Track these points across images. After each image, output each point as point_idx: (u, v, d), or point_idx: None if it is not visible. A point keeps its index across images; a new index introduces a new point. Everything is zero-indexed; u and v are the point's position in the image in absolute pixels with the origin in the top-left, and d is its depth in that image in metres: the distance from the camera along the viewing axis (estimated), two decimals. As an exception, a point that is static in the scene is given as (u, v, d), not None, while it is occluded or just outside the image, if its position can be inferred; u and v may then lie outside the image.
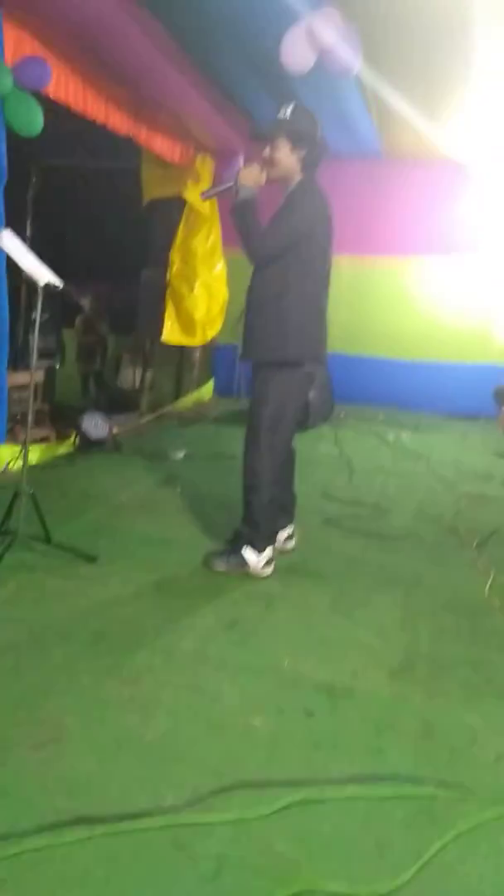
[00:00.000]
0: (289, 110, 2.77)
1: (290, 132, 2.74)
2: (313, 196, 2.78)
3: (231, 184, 2.84)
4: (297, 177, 2.80)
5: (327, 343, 2.95)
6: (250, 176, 2.75)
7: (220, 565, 2.89)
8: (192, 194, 5.77)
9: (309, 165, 2.80)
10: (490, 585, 2.90)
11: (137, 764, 1.72)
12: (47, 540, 2.90)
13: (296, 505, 3.19)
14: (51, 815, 1.52)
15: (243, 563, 2.86)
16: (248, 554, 2.85)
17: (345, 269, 6.67)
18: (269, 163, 2.78)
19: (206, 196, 3.15)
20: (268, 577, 2.87)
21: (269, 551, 2.89)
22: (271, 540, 2.92)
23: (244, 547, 2.86)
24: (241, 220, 2.75)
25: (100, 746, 1.77)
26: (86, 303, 6.06)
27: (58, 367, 5.66)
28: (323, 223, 2.80)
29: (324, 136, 2.84)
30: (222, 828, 1.53)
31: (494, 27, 3.74)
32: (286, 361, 2.79)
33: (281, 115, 2.77)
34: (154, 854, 1.45)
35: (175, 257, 6.12)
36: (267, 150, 2.79)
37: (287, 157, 2.76)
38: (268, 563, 2.89)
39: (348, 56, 3.75)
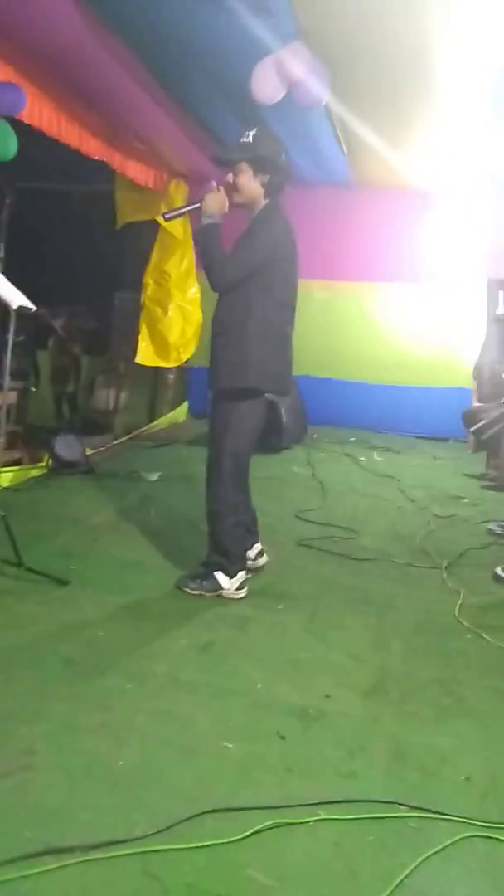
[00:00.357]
0: (251, 135, 2.73)
1: (253, 158, 2.72)
2: (275, 223, 2.76)
3: (195, 205, 2.83)
4: (261, 202, 2.78)
5: (291, 369, 2.93)
6: (215, 202, 2.73)
7: (194, 588, 2.88)
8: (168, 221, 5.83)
9: (272, 191, 2.77)
10: (460, 606, 2.94)
11: (109, 791, 1.71)
12: (18, 563, 2.87)
13: (257, 522, 3.20)
14: (20, 845, 1.49)
15: (216, 586, 2.86)
16: (221, 577, 2.86)
17: (315, 294, 6.80)
18: (231, 189, 2.76)
19: (168, 217, 3.11)
20: (241, 599, 2.88)
21: (241, 574, 2.89)
22: (242, 563, 2.93)
23: (216, 571, 2.86)
24: (203, 247, 2.74)
25: (71, 774, 1.75)
26: (59, 324, 6.05)
27: (33, 389, 5.63)
28: (286, 250, 2.78)
29: (287, 162, 2.83)
30: (194, 855, 1.52)
31: (454, 61, 3.88)
32: (246, 389, 2.77)
33: (243, 140, 2.74)
34: (125, 883, 1.44)
35: (149, 280, 6.16)
36: (229, 176, 2.77)
37: (249, 182, 2.74)
38: (240, 586, 2.89)
39: (316, 89, 3.85)
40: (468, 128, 4.93)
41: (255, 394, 2.80)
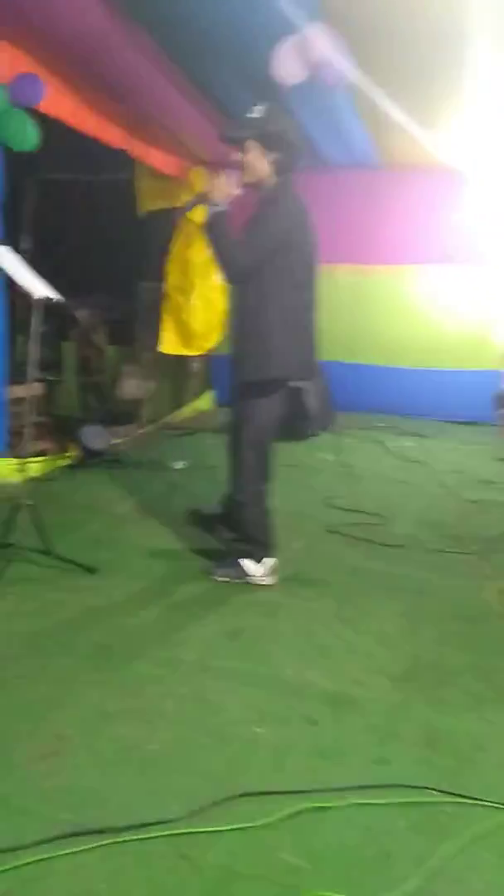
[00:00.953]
0: (260, 110, 2.61)
1: (262, 134, 2.58)
2: (287, 203, 2.63)
3: (201, 196, 2.73)
4: (271, 181, 2.64)
5: (315, 353, 2.83)
6: (219, 189, 2.60)
7: (222, 575, 2.88)
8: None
9: (283, 169, 2.63)
10: (494, 592, 2.89)
11: (140, 775, 1.72)
12: (47, 552, 2.90)
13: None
14: (53, 827, 1.51)
15: (243, 573, 2.85)
16: (248, 564, 2.85)
17: (343, 278, 6.71)
18: (240, 167, 2.63)
19: (183, 210, 3.06)
20: (270, 585, 2.87)
21: (270, 561, 2.88)
22: (269, 549, 2.90)
23: (242, 558, 2.86)
24: (211, 238, 2.61)
25: (102, 758, 1.77)
26: (82, 315, 6.07)
27: (57, 379, 5.68)
28: (301, 230, 2.65)
29: (300, 138, 2.69)
30: (227, 837, 1.52)
31: (490, 34, 3.77)
32: (269, 380, 2.69)
33: (251, 116, 2.61)
34: (158, 865, 1.44)
35: (172, 268, 6.15)
36: (238, 155, 2.64)
37: (258, 160, 2.61)
38: (270, 571, 2.88)
39: (339, 70, 3.78)
40: (498, 105, 4.80)
41: (279, 384, 2.73)
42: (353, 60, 3.82)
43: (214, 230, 2.61)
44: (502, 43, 3.84)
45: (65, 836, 1.48)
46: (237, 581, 2.85)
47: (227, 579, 2.86)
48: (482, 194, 6.39)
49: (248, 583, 2.85)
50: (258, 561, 2.85)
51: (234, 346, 2.78)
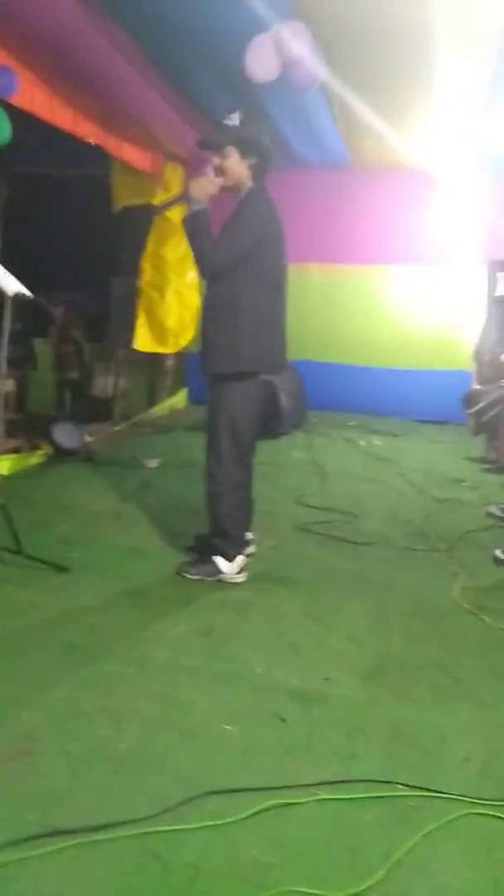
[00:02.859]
0: (237, 117, 2.72)
1: (239, 141, 2.70)
2: (262, 205, 2.76)
3: (182, 196, 2.83)
4: (248, 185, 2.77)
5: (285, 349, 2.94)
6: (200, 188, 2.72)
7: (194, 574, 2.89)
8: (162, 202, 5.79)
9: (259, 173, 2.77)
10: (459, 589, 2.95)
11: (110, 775, 1.72)
12: (18, 551, 2.88)
13: (254, 511, 3.18)
14: (22, 828, 1.51)
15: (216, 570, 2.87)
16: (220, 562, 2.87)
17: (314, 277, 6.76)
18: (218, 172, 2.74)
19: (160, 209, 3.14)
20: (240, 583, 2.89)
21: (240, 558, 2.91)
22: (241, 546, 2.94)
23: (216, 555, 2.87)
24: (191, 234, 2.72)
25: (72, 758, 1.77)
26: (58, 312, 6.02)
27: (30, 372, 5.62)
28: (273, 231, 2.77)
29: (273, 143, 2.82)
30: (195, 835, 1.54)
31: (457, 38, 3.83)
32: (241, 372, 2.79)
33: (228, 122, 2.72)
34: (128, 864, 1.45)
35: (146, 265, 6.12)
36: (216, 159, 2.74)
37: (237, 165, 2.73)
38: (241, 569, 2.90)
39: (312, 70, 3.80)
40: (468, 108, 4.87)
41: (250, 376, 2.82)
42: (325, 60, 3.84)
43: (195, 228, 2.71)
44: (469, 46, 3.90)
45: (34, 838, 1.48)
46: (209, 579, 2.86)
47: (200, 577, 2.87)
48: (451, 195, 6.47)
49: (220, 581, 2.87)
50: (231, 558, 2.87)
51: (207, 339, 2.84)
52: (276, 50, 3.65)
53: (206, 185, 2.73)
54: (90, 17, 3.64)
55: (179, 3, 3.55)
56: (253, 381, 2.84)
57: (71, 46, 3.90)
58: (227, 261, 2.69)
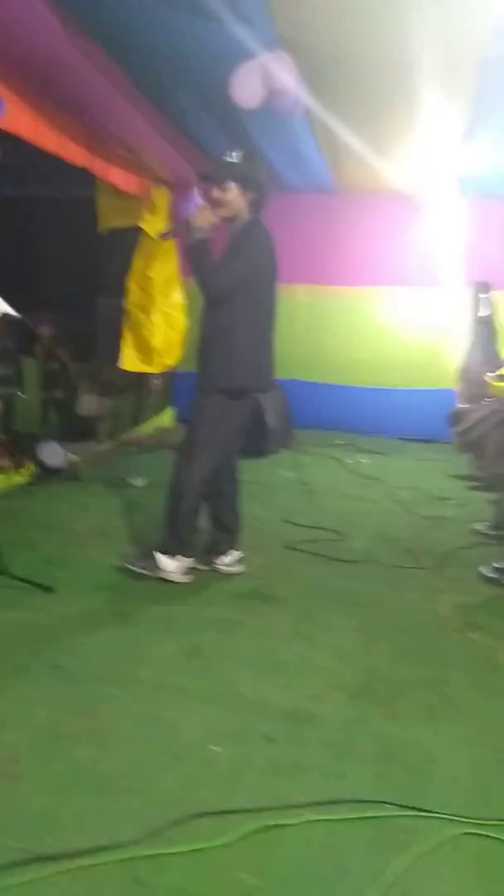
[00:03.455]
0: (238, 155, 2.95)
1: (240, 177, 2.93)
2: (260, 235, 2.98)
3: (184, 224, 3.03)
4: (245, 217, 2.99)
5: (273, 369, 3.14)
6: (203, 218, 2.93)
7: (137, 566, 3.01)
8: (149, 224, 5.83)
9: (256, 207, 2.99)
10: (446, 606, 2.95)
11: (95, 797, 1.69)
12: (2, 571, 2.84)
13: (240, 529, 3.26)
14: (4, 854, 1.48)
15: (155, 566, 2.98)
16: (161, 558, 2.98)
17: (300, 298, 6.81)
18: (218, 204, 2.96)
19: (163, 237, 3.36)
20: (183, 583, 2.98)
21: (185, 560, 3.01)
22: (187, 549, 3.04)
23: (156, 550, 3.00)
24: (195, 261, 2.95)
25: (56, 781, 1.74)
26: (45, 331, 6.02)
27: (21, 395, 5.61)
28: (268, 259, 3.00)
29: (267, 177, 3.07)
30: (182, 859, 1.51)
31: (439, 63, 3.92)
32: (234, 389, 2.96)
33: (230, 160, 2.95)
34: (112, 891, 1.42)
35: (132, 286, 6.14)
36: (217, 192, 2.96)
37: (237, 199, 2.95)
38: (184, 572, 3.01)
39: (296, 98, 3.88)
40: (449, 135, 4.98)
41: (243, 393, 3.00)
42: (309, 87, 3.92)
43: (199, 256, 2.93)
44: (450, 74, 3.99)
45: (16, 864, 1.45)
46: (150, 574, 2.97)
47: (142, 570, 2.99)
48: (434, 219, 6.59)
49: (163, 579, 2.96)
50: (172, 555, 2.99)
51: (206, 360, 3.02)
52: (262, 78, 3.72)
53: (209, 216, 2.94)
54: (76, 42, 3.69)
55: (164, 30, 3.61)
56: (242, 402, 3.02)
57: (57, 70, 3.94)
58: (228, 286, 2.91)
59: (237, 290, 2.91)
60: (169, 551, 3.00)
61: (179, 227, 3.17)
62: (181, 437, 3.13)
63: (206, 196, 3.11)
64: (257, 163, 3.05)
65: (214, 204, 2.97)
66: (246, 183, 2.94)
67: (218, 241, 2.98)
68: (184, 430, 3.13)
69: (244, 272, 2.92)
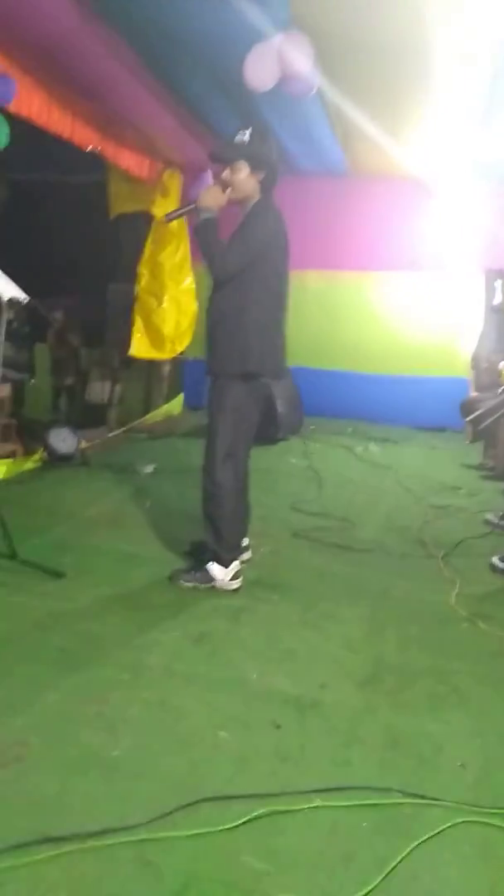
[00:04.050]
0: (247, 134, 2.85)
1: (250, 156, 2.84)
2: (270, 215, 2.89)
3: (193, 205, 2.94)
4: (256, 197, 2.89)
5: (285, 356, 3.05)
6: (211, 198, 2.85)
7: (188, 581, 2.88)
8: (160, 209, 5.80)
9: (267, 187, 2.91)
10: (456, 596, 2.95)
11: (103, 781, 1.71)
12: (13, 556, 2.87)
13: (250, 517, 3.19)
14: (14, 834, 1.50)
15: (210, 578, 2.86)
16: (215, 569, 2.85)
17: (311, 284, 6.76)
18: (228, 185, 2.87)
19: (169, 218, 3.25)
20: (235, 590, 2.88)
21: (235, 564, 2.89)
22: (236, 552, 2.93)
23: (210, 562, 2.86)
24: (203, 241, 2.85)
25: (64, 765, 1.76)
26: (57, 316, 6.02)
27: (32, 381, 5.63)
28: (278, 240, 2.90)
29: (279, 157, 2.95)
30: (188, 842, 1.52)
31: (453, 47, 3.85)
32: (246, 373, 2.86)
33: (239, 139, 2.86)
34: (120, 871, 1.44)
35: (143, 271, 6.13)
36: (226, 173, 2.88)
37: (247, 179, 2.86)
38: (234, 576, 2.89)
39: (310, 80, 3.82)
40: (464, 117, 4.90)
41: (254, 377, 2.89)
42: (322, 70, 3.86)
43: (207, 235, 2.85)
44: (466, 58, 3.92)
45: (26, 845, 1.47)
46: (203, 586, 2.85)
47: (194, 585, 2.86)
48: (448, 203, 6.51)
49: (214, 587, 2.85)
50: (226, 564, 2.86)
51: (215, 343, 2.93)
52: (277, 60, 3.67)
53: (217, 196, 2.85)
54: (88, 25, 3.66)
55: (177, 11, 3.57)
56: (256, 382, 2.91)
57: (69, 53, 3.90)
58: (237, 265, 2.81)
59: (244, 273, 2.82)
60: (220, 560, 2.86)
61: (186, 208, 3.08)
62: (205, 435, 2.95)
63: (217, 177, 2.99)
64: (268, 142, 2.93)
65: (224, 185, 2.88)
66: (256, 163, 2.85)
67: (229, 223, 2.90)
68: (206, 427, 2.96)
69: (252, 253, 2.82)
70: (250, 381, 2.88)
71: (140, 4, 3.52)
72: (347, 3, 3.49)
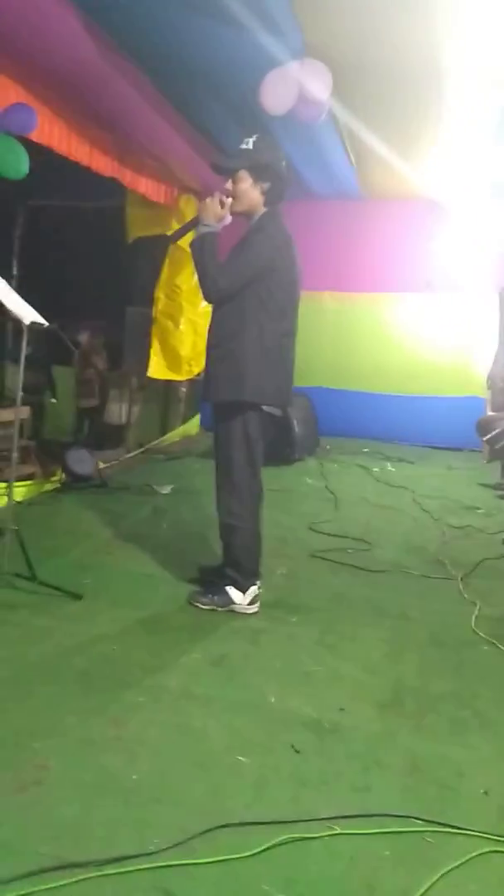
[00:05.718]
0: (251, 141, 2.66)
1: (253, 165, 2.65)
2: (273, 231, 2.68)
3: (192, 222, 2.79)
4: (260, 210, 2.70)
5: (291, 381, 2.85)
6: (209, 211, 2.67)
7: (206, 604, 2.86)
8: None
9: (272, 199, 2.70)
10: (476, 618, 2.91)
11: (122, 806, 1.70)
12: (32, 577, 2.88)
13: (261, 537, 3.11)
14: (33, 860, 1.49)
15: (228, 600, 2.84)
16: (233, 592, 2.84)
17: (327, 305, 6.82)
18: (231, 196, 2.69)
19: (174, 237, 3.10)
20: (254, 613, 2.86)
21: (254, 589, 2.87)
22: (254, 577, 2.89)
23: (228, 585, 2.85)
24: (197, 258, 2.67)
25: (84, 789, 1.75)
26: (84, 338, 6.11)
27: (53, 400, 5.69)
28: (283, 259, 2.69)
29: (289, 168, 2.77)
30: (208, 870, 1.51)
31: (464, 70, 3.90)
32: (243, 402, 2.70)
33: (243, 147, 2.68)
34: (139, 899, 1.43)
35: (160, 294, 6.21)
36: (228, 184, 2.70)
37: (250, 190, 2.67)
38: (252, 600, 2.87)
39: (318, 107, 3.86)
40: (477, 139, 4.94)
41: (251, 407, 2.73)
42: (336, 94, 3.92)
43: (202, 250, 2.67)
44: (476, 77, 3.97)
45: (44, 871, 1.46)
46: (221, 609, 2.84)
47: (212, 607, 2.85)
48: (462, 224, 6.54)
49: (232, 611, 2.84)
50: (244, 589, 2.84)
51: (210, 367, 2.80)
52: (295, 85, 3.72)
53: (216, 208, 2.67)
54: (107, 55, 3.76)
55: (192, 40, 3.65)
56: (254, 415, 2.73)
57: (88, 83, 4.01)
58: (230, 286, 2.63)
59: (243, 292, 2.61)
60: (239, 585, 2.81)
61: (189, 225, 2.87)
62: (215, 462, 2.85)
63: (223, 190, 2.77)
64: (272, 149, 2.70)
65: (226, 196, 2.68)
66: (259, 172, 2.63)
67: (235, 239, 2.72)
68: (215, 455, 2.85)
69: (249, 275, 2.60)
70: (248, 412, 2.70)
71: (155, 34, 3.61)
72: (359, 30, 3.56)
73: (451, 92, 4.17)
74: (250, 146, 2.68)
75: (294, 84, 3.72)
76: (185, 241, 5.95)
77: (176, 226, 5.92)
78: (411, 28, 3.44)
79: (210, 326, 2.80)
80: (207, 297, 2.74)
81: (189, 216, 6.09)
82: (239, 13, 3.25)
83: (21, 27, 3.34)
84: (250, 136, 2.70)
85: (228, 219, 2.75)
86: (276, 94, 3.78)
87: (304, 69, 3.67)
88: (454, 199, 6.36)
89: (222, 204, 2.70)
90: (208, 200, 2.71)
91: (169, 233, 5.85)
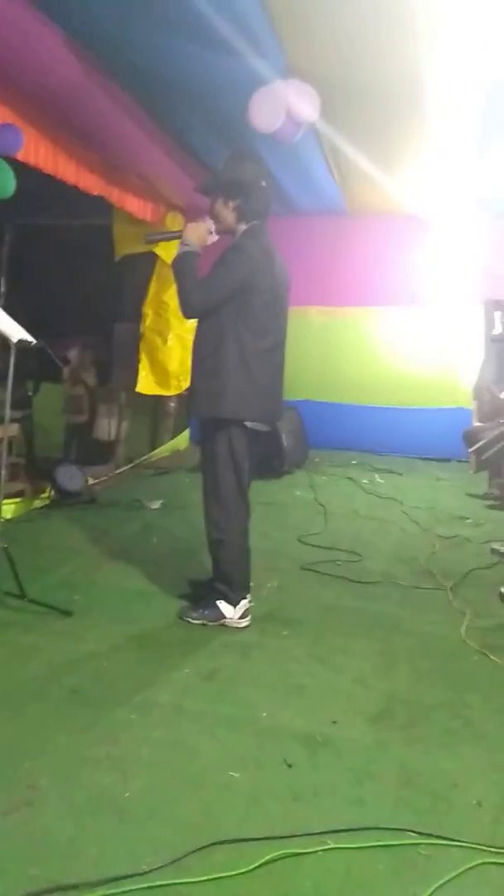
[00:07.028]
0: (223, 161, 2.73)
1: (223, 184, 2.71)
2: (249, 249, 2.68)
3: (175, 233, 2.85)
4: (239, 228, 2.74)
5: (277, 397, 2.86)
6: (194, 233, 2.72)
7: (196, 618, 2.85)
8: (164, 251, 5.93)
9: (247, 215, 2.72)
10: (466, 628, 2.92)
11: (115, 824, 1.69)
12: (22, 595, 2.87)
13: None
14: (24, 883, 1.48)
15: (219, 615, 2.84)
16: (224, 606, 2.83)
17: (314, 319, 6.87)
18: (213, 218, 2.76)
19: (149, 239, 3.12)
20: (245, 627, 2.86)
21: (243, 603, 2.87)
22: (244, 591, 2.89)
23: (219, 600, 2.84)
24: (176, 275, 2.71)
25: (76, 808, 1.73)
26: (73, 354, 6.12)
27: (31, 414, 5.66)
28: (263, 274, 2.68)
29: (267, 183, 2.78)
30: (202, 888, 1.50)
31: (444, 90, 3.98)
32: (224, 418, 2.71)
33: (218, 168, 2.75)
34: (132, 919, 1.41)
35: (148, 310, 6.24)
36: (210, 206, 2.77)
37: (222, 209, 2.73)
38: (243, 614, 2.87)
39: (298, 125, 3.90)
40: (459, 154, 5.03)
41: (234, 423, 2.73)
42: (320, 114, 3.98)
43: (180, 269, 2.71)
44: (459, 95, 4.05)
45: (37, 894, 1.45)
46: (212, 623, 2.83)
47: (202, 622, 2.84)
48: (446, 237, 6.62)
49: (223, 625, 2.84)
50: (235, 603, 2.84)
51: (193, 383, 2.84)
52: (283, 105, 3.77)
53: (200, 233, 2.72)
54: (91, 75, 3.80)
55: (176, 60, 3.70)
56: (239, 429, 2.73)
57: (74, 103, 4.05)
58: (204, 304, 2.67)
59: (221, 309, 2.63)
60: (229, 599, 2.82)
61: (170, 235, 2.94)
62: (201, 477, 2.87)
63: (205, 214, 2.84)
64: (243, 165, 2.72)
65: (213, 218, 2.74)
66: (228, 189, 2.67)
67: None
68: (202, 470, 2.87)
69: (224, 289, 2.62)
70: (230, 427, 2.71)
71: (140, 54, 3.65)
72: (341, 51, 3.62)
73: (433, 107, 4.24)
74: (221, 166, 2.75)
75: (282, 104, 3.76)
76: (171, 257, 6.00)
77: (166, 244, 5.96)
78: (391, 44, 3.49)
79: (193, 342, 2.83)
80: (184, 313, 2.79)
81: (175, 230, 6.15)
82: (221, 35, 3.30)
83: (6, 48, 3.38)
84: (224, 158, 2.78)
85: (211, 239, 2.80)
86: (263, 112, 3.82)
87: (292, 87, 3.72)
88: (437, 213, 6.45)
89: (210, 230, 2.76)
90: (193, 224, 2.75)
91: (163, 255, 5.91)
